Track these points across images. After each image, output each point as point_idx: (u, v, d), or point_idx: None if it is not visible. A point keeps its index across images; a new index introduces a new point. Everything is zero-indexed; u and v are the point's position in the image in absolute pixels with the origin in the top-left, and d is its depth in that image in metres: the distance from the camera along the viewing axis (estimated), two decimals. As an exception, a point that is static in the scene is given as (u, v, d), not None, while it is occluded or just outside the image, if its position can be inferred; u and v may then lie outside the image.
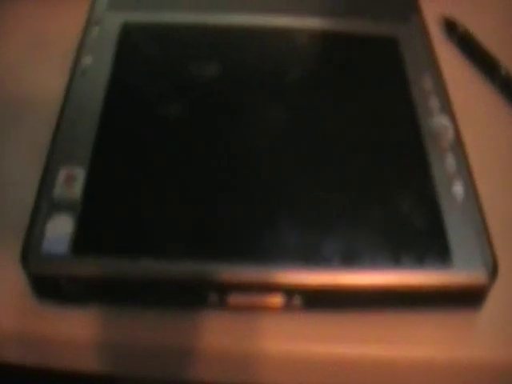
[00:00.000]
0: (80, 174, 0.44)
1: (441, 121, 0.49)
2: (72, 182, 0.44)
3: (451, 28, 0.61)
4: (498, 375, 0.44)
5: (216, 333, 0.43)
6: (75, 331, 0.43)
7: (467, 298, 0.43)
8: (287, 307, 0.42)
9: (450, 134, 0.48)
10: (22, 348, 0.45)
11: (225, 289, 0.41)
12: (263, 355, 0.43)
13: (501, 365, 0.43)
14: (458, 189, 0.45)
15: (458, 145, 0.48)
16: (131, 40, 0.53)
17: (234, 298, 0.42)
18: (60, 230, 0.42)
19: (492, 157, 0.52)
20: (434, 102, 0.50)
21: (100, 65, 0.51)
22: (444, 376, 0.44)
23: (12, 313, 0.43)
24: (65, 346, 0.44)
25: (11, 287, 0.43)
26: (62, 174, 0.44)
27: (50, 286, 0.42)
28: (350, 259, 0.42)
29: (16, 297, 0.43)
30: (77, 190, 0.44)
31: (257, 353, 0.43)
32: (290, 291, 0.41)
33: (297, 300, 0.42)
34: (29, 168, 0.47)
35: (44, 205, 0.43)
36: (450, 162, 0.47)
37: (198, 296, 0.42)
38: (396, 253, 0.42)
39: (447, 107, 0.50)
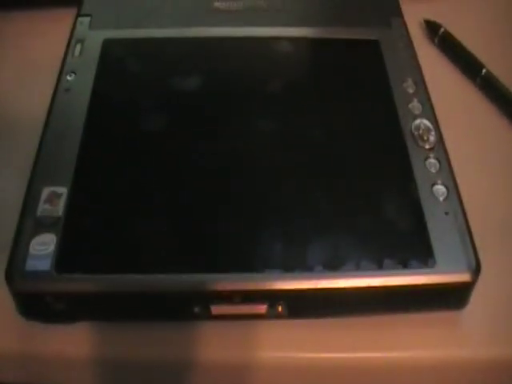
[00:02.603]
0: (63, 192, 0.45)
1: (423, 123, 0.49)
2: (55, 199, 0.44)
3: (433, 30, 0.61)
4: (483, 373, 0.44)
5: (204, 344, 0.43)
6: (65, 348, 0.43)
7: (451, 298, 0.43)
8: (272, 316, 0.42)
9: (431, 136, 0.48)
10: (14, 367, 0.45)
11: (207, 300, 0.41)
12: (252, 364, 0.43)
13: (486, 363, 0.43)
14: (440, 190, 0.45)
15: (440, 147, 0.48)
16: (113, 57, 0.54)
17: (218, 309, 0.42)
18: (44, 248, 0.42)
19: (474, 157, 0.52)
20: (416, 105, 0.50)
21: (82, 82, 0.51)
22: (431, 376, 0.44)
23: (2, 332, 0.44)
24: (56, 363, 0.44)
25: (1, 307, 0.43)
26: (46, 193, 0.45)
27: (34, 305, 0.42)
28: (332, 264, 0.42)
29: (5, 316, 0.43)
30: (60, 207, 0.44)
31: (246, 361, 0.43)
32: (273, 299, 0.42)
33: (281, 308, 0.42)
34: (14, 186, 0.47)
35: (28, 223, 0.43)
36: (432, 163, 0.47)
37: (182, 308, 0.42)
38: (379, 255, 0.42)
39: (429, 109, 0.50)
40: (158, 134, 0.49)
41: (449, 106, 0.53)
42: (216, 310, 0.42)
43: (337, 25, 0.56)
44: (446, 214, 0.44)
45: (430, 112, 0.50)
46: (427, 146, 0.48)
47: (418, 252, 0.42)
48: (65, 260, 0.42)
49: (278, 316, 0.42)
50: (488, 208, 0.49)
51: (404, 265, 0.42)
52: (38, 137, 0.48)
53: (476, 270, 0.42)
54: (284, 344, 0.43)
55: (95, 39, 0.55)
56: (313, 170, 0.47)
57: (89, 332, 0.43)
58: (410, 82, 0.52)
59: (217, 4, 0.58)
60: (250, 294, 0.41)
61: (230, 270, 0.41)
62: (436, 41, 0.61)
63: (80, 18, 0.57)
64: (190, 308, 0.42)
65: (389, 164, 0.47)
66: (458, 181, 0.46)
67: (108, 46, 0.54)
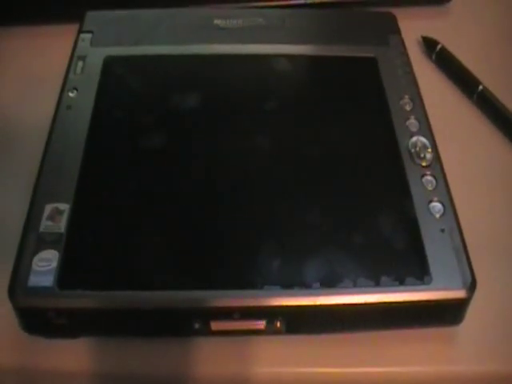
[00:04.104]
0: (65, 208, 0.45)
1: (419, 140, 0.50)
2: (58, 216, 0.45)
3: (430, 46, 0.62)
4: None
5: (203, 359, 0.43)
6: (67, 363, 0.44)
7: (447, 314, 0.43)
8: (270, 332, 0.43)
9: (428, 154, 0.49)
10: (16, 381, 0.45)
11: (207, 316, 0.42)
12: (251, 379, 0.44)
13: (481, 379, 0.44)
14: (437, 207, 0.46)
15: (437, 164, 0.48)
16: (114, 73, 0.54)
17: (217, 325, 0.42)
18: (46, 264, 0.42)
19: (471, 174, 0.52)
20: (413, 122, 0.51)
21: (84, 99, 0.52)
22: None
23: (5, 347, 0.44)
24: (57, 377, 0.45)
25: (3, 321, 0.44)
26: (48, 209, 0.45)
27: (37, 320, 0.42)
28: (330, 281, 0.42)
29: (8, 331, 0.44)
30: (62, 224, 0.44)
31: (245, 377, 0.44)
32: (272, 315, 0.42)
33: (279, 324, 0.42)
34: (17, 202, 0.48)
35: (30, 240, 0.44)
36: (429, 181, 0.47)
37: (183, 324, 0.43)
38: (376, 272, 0.43)
39: (426, 127, 0.51)
40: (159, 150, 0.49)
41: (446, 122, 0.53)
42: (216, 325, 0.42)
43: (335, 42, 0.57)
44: (442, 230, 0.45)
45: (426, 129, 0.51)
46: (424, 164, 0.48)
47: (415, 269, 0.43)
48: (67, 276, 0.42)
49: (277, 332, 0.43)
50: (484, 225, 0.49)
51: (400, 281, 0.42)
52: (41, 153, 0.49)
53: (471, 287, 0.42)
54: (282, 359, 0.43)
55: (97, 56, 0.55)
56: (310, 187, 0.47)
57: (90, 347, 0.44)
58: (407, 99, 0.53)
59: (217, 21, 0.58)
60: (249, 310, 0.42)
61: (229, 287, 0.42)
62: (433, 57, 0.62)
63: (82, 35, 0.57)
64: (190, 324, 0.42)
65: (386, 181, 0.48)
66: (455, 198, 0.47)
67: (109, 62, 0.55)
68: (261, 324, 0.42)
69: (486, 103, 0.58)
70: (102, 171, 0.48)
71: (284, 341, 0.43)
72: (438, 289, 0.42)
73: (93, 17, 0.59)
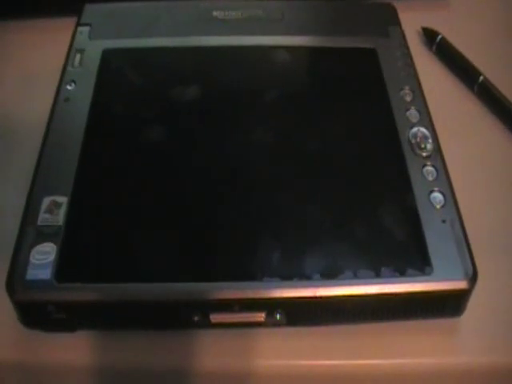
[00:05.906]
0: (64, 201, 0.45)
1: (420, 131, 0.49)
2: (56, 209, 0.44)
3: (430, 37, 0.62)
4: (479, 381, 0.44)
5: (203, 352, 0.43)
6: (65, 356, 0.44)
7: (448, 305, 0.43)
8: (270, 324, 0.42)
9: (429, 144, 0.48)
10: (15, 375, 0.45)
11: (207, 309, 0.42)
12: (251, 371, 0.43)
13: (482, 370, 0.44)
14: (437, 198, 0.46)
15: (437, 154, 0.48)
16: (112, 66, 0.54)
17: (217, 317, 0.42)
18: (44, 257, 0.42)
19: (471, 164, 0.52)
20: (413, 113, 0.51)
21: (82, 92, 0.52)
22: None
23: (3, 341, 0.44)
24: (56, 371, 0.45)
25: (1, 315, 0.44)
26: (46, 202, 0.45)
27: (35, 314, 0.42)
28: (330, 272, 0.42)
29: (6, 324, 0.44)
30: (60, 216, 0.44)
31: (245, 369, 0.43)
32: (271, 307, 0.42)
33: (279, 316, 0.42)
34: (15, 195, 0.47)
35: (28, 232, 0.43)
36: (430, 171, 0.47)
37: (182, 317, 0.42)
38: (376, 263, 0.42)
39: (426, 117, 0.51)
40: (158, 142, 0.49)
41: (446, 113, 0.53)
42: (215, 318, 0.42)
43: (334, 34, 0.57)
44: (443, 221, 0.44)
45: (427, 120, 0.50)
46: (424, 154, 0.48)
47: (415, 260, 0.43)
48: (65, 269, 0.42)
49: (277, 324, 0.43)
50: (485, 215, 0.49)
51: (401, 272, 0.42)
52: (39, 146, 0.48)
53: (473, 278, 0.42)
54: (282, 351, 0.43)
55: (95, 49, 0.55)
56: (311, 178, 0.47)
57: (89, 340, 0.43)
58: (407, 89, 0.53)
59: (215, 13, 0.58)
60: (249, 302, 0.42)
61: (228, 279, 0.42)
62: (433, 48, 0.61)
63: (80, 28, 0.57)
64: (189, 316, 0.42)
65: (386, 172, 0.48)
66: (455, 188, 0.46)
67: (108, 55, 0.55)
68: (260, 316, 0.42)
69: (486, 94, 0.57)
70: (100, 163, 0.48)
71: (284, 333, 0.43)
72: (439, 280, 0.42)
73: (91, 9, 0.59)
